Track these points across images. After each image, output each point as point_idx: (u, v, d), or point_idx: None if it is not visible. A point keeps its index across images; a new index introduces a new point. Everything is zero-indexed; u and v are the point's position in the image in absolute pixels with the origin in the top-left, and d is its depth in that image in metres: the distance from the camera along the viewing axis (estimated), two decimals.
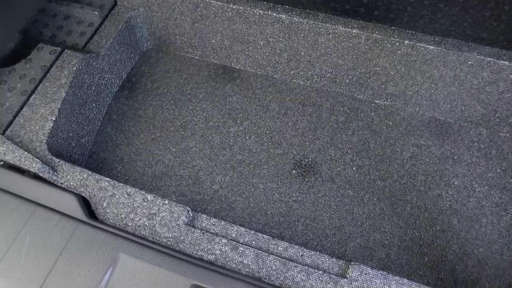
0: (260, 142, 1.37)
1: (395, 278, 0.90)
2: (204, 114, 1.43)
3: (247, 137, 1.37)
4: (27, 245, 0.91)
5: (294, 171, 1.30)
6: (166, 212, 0.97)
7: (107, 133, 1.41)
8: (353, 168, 1.29)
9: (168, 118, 1.43)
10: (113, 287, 0.84)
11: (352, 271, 0.91)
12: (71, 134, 1.26)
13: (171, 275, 0.85)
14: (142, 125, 1.42)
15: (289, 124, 1.41)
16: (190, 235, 0.95)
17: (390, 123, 1.39)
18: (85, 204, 0.98)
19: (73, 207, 0.96)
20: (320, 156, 1.32)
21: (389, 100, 1.43)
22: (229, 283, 0.85)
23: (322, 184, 1.27)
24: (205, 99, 1.48)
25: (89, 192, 1.00)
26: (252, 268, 0.92)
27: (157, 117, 1.44)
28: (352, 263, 0.93)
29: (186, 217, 0.96)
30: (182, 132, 1.38)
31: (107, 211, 0.97)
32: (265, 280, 0.90)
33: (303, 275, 0.91)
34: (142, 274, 0.86)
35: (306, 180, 1.28)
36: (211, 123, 1.41)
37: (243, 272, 0.91)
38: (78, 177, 1.02)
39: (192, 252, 0.90)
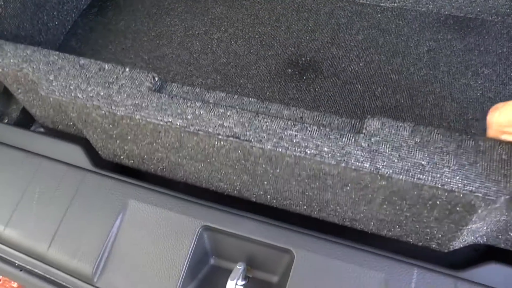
0: (248, 45, 1.23)
1: (428, 128, 0.70)
2: (183, 24, 1.27)
3: (232, 42, 1.23)
4: (37, 196, 0.91)
5: (290, 70, 1.11)
6: (126, 79, 0.85)
7: (70, 46, 1.31)
8: (360, 64, 1.11)
9: (142, 30, 1.31)
10: (124, 232, 0.85)
11: (371, 124, 0.71)
12: (23, 34, 1.15)
13: (181, 218, 0.84)
14: (111, 38, 1.31)
15: (282, 28, 1.30)
16: (155, 100, 0.80)
17: (400, 22, 1.22)
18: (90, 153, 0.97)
19: (79, 157, 0.95)
20: (319, 54, 1.20)
21: (397, 2, 1.21)
22: (240, 223, 0.83)
23: (324, 80, 1.17)
24: (184, 11, 1.37)
25: (33, 68, 0.88)
26: (235, 132, 0.74)
27: (129, 29, 1.33)
28: (368, 117, 0.73)
29: (152, 83, 0.84)
30: (157, 41, 1.25)
31: (54, 84, 0.84)
32: (254, 144, 0.73)
33: (305, 134, 0.72)
34: (152, 218, 0.85)
35: (304, 77, 1.09)
36: (191, 32, 1.27)
37: (222, 136, 0.75)
38: (21, 53, 0.91)
39: (158, 119, 0.77)
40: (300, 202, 0.86)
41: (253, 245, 0.83)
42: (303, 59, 1.17)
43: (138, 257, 0.83)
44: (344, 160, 0.68)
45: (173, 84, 0.85)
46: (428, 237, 0.80)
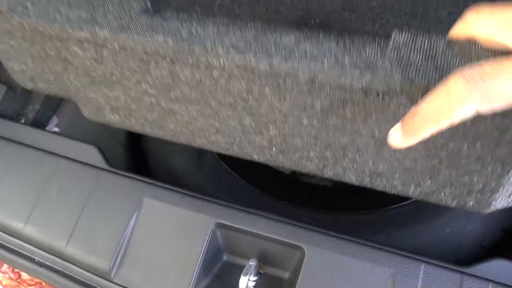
0: (251, 10, 1.03)
1: None
2: None
3: (235, 7, 1.03)
4: (55, 194, 0.95)
5: None
6: (114, 3, 0.72)
7: None
8: (375, 26, 1.02)
9: None
10: (139, 229, 0.89)
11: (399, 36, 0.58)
12: None
13: (195, 215, 0.87)
14: None
15: None
16: (145, 21, 0.68)
17: None
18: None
19: (95, 157, 0.98)
20: (330, 17, 1.04)
21: None
22: (252, 220, 0.86)
23: None
24: None
25: None
26: (238, 46, 0.62)
27: None
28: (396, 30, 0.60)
29: (143, 6, 0.70)
30: None
31: (30, 9, 0.75)
32: (260, 58, 0.60)
33: (321, 47, 0.59)
34: (166, 216, 0.88)
35: None
36: None
37: (222, 52, 0.62)
38: None
39: (147, 40, 0.66)
40: (312, 154, 0.74)
41: (265, 242, 0.85)
42: (312, 21, 1.14)
43: (153, 253, 0.86)
44: (370, 72, 0.55)
45: (168, 10, 0.72)
46: (466, 191, 0.68)
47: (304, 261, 0.81)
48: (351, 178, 0.74)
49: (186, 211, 0.87)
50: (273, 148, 0.75)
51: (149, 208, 0.89)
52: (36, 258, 0.91)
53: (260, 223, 0.85)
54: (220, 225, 0.86)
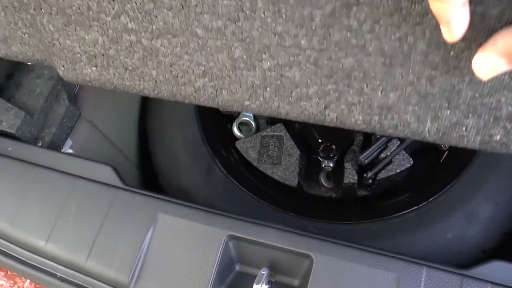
0: None
1: None
2: None
3: None
4: (74, 213, 0.99)
5: None
6: None
7: None
8: None
9: None
10: (155, 243, 0.93)
11: None
12: None
13: (208, 229, 0.92)
14: None
15: None
16: None
17: None
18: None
19: (110, 176, 1.03)
20: None
21: None
22: (263, 231, 0.91)
23: None
24: None
25: None
26: None
27: None
28: None
29: None
30: None
31: None
32: None
33: None
34: (181, 230, 0.93)
35: None
36: None
37: None
38: None
39: None
40: (311, 90, 0.65)
41: (275, 251, 0.90)
42: None
43: (169, 266, 0.91)
44: None
45: None
46: (492, 118, 0.58)
47: (312, 269, 0.86)
48: (357, 119, 0.65)
49: (199, 225, 0.92)
50: (267, 88, 0.68)
51: (164, 223, 0.94)
52: (57, 273, 0.96)
53: (270, 234, 0.90)
54: (232, 237, 0.90)
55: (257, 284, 0.86)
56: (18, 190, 1.05)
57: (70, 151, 1.26)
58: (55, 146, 1.23)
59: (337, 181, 1.41)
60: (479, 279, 0.82)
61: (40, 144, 1.20)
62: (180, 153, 1.39)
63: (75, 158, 1.10)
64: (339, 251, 0.87)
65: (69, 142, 1.26)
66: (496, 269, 0.84)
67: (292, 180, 1.33)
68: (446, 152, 1.37)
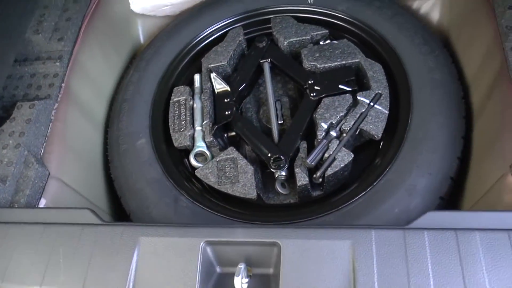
0: None
1: None
2: None
3: None
4: (62, 255, 1.09)
5: None
6: None
7: None
8: None
9: None
10: (142, 264, 1.04)
11: None
12: None
13: (186, 240, 1.04)
14: None
15: None
16: None
17: None
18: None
19: (89, 217, 1.15)
20: None
21: None
22: (232, 231, 1.04)
23: None
24: None
25: None
26: None
27: None
28: None
29: None
30: None
31: None
32: None
33: None
34: (162, 247, 1.05)
35: None
36: None
37: None
38: None
39: None
40: None
41: (247, 247, 1.04)
42: None
43: (158, 280, 1.02)
44: None
45: None
46: None
47: (281, 254, 1.00)
48: None
49: (177, 239, 1.05)
50: None
51: (146, 245, 1.06)
52: None
53: (240, 232, 1.04)
54: (208, 243, 1.04)
55: (237, 276, 0.99)
56: (3, 251, 1.13)
57: (42, 205, 1.36)
58: (30, 206, 1.32)
59: (292, 187, 1.57)
60: (417, 229, 0.99)
61: (16, 206, 1.29)
62: (147, 191, 1.52)
63: (53, 209, 1.20)
64: (301, 233, 1.02)
65: (42, 201, 1.36)
66: (430, 218, 1.01)
67: (251, 193, 1.47)
68: (381, 142, 1.57)
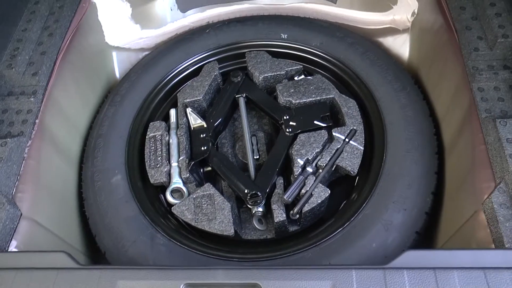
0: None
1: None
2: None
3: None
4: None
5: None
6: None
7: None
8: None
9: None
10: None
11: None
12: None
13: (166, 283, 1.02)
14: None
15: None
16: None
17: None
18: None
19: (65, 260, 1.11)
20: None
21: None
22: (212, 274, 1.03)
23: None
24: None
25: None
26: None
27: None
28: None
29: None
30: None
31: None
32: None
33: None
34: None
35: None
36: None
37: None
38: None
39: None
40: None
41: None
42: None
43: None
44: None
45: None
46: None
47: None
48: None
49: (156, 282, 1.03)
50: None
51: None
52: None
53: (220, 274, 1.03)
54: (188, 285, 1.02)
55: None
56: None
57: (15, 249, 1.31)
58: (0, 250, 1.28)
59: (269, 223, 1.57)
60: (397, 268, 1.00)
61: None
62: (123, 229, 1.49)
63: (25, 253, 1.16)
64: (281, 274, 1.02)
65: (13, 243, 1.32)
66: (409, 257, 1.03)
67: (228, 230, 1.47)
68: (357, 177, 1.59)
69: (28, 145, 1.49)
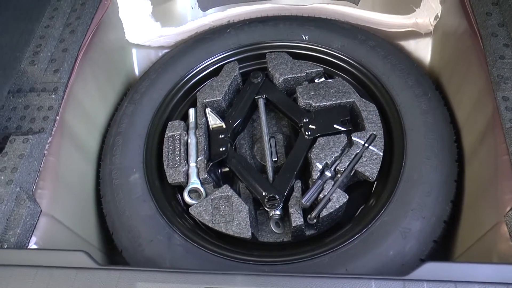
0: None
1: None
2: None
3: None
4: None
5: None
6: None
7: None
8: None
9: None
10: None
11: None
12: None
13: (185, 287, 1.03)
14: None
15: None
16: None
17: None
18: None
19: (85, 260, 1.12)
20: None
21: None
22: (231, 279, 1.03)
23: None
24: None
25: None
26: None
27: None
28: None
29: None
30: None
31: None
32: None
33: None
34: None
35: None
36: None
37: None
38: None
39: None
40: None
41: None
42: None
43: None
44: None
45: None
46: None
47: None
48: None
49: (176, 285, 1.03)
50: None
51: None
52: None
53: (238, 279, 1.03)
54: None
55: None
56: None
57: (35, 247, 1.33)
58: (20, 245, 1.29)
59: (286, 226, 1.57)
60: (416, 280, 0.99)
61: (6, 246, 1.26)
62: (140, 228, 1.50)
63: (46, 251, 1.17)
64: (300, 282, 1.02)
65: (33, 239, 1.33)
66: (429, 269, 1.02)
67: (246, 233, 1.47)
68: (375, 183, 1.58)
69: (48, 142, 1.50)
